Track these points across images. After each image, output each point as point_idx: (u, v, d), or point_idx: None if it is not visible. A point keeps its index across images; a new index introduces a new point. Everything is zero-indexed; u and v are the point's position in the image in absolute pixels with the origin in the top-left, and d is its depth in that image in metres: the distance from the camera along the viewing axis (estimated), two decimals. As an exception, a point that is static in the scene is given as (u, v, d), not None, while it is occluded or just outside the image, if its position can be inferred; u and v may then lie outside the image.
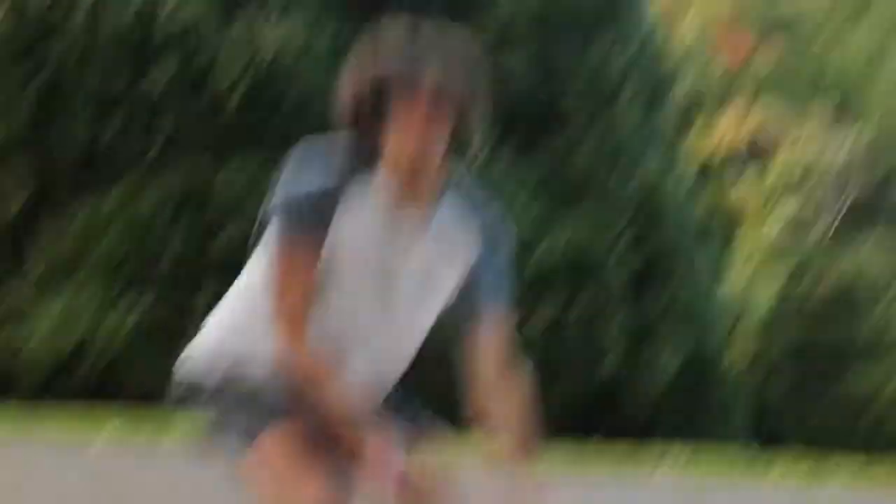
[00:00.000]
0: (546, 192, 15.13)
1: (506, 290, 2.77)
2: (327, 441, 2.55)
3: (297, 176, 2.60)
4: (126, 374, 13.14)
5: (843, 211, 26.06)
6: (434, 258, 2.69)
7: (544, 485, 2.56)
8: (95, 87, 13.93)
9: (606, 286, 14.88)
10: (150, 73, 13.94)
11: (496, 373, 2.67)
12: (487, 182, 2.88)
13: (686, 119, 24.71)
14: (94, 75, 13.94)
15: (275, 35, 14.07)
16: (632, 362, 14.77)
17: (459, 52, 2.68)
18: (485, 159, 13.28)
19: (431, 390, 2.86)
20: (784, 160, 26.48)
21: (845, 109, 27.21)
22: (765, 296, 23.59)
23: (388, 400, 2.76)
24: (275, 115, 13.75)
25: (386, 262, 2.64)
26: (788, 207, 25.60)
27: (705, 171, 25.14)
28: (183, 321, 13.14)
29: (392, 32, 2.68)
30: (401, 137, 2.58)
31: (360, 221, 2.62)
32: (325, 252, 2.60)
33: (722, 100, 28.24)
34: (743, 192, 26.68)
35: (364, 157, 2.63)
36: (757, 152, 27.25)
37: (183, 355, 2.78)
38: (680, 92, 23.23)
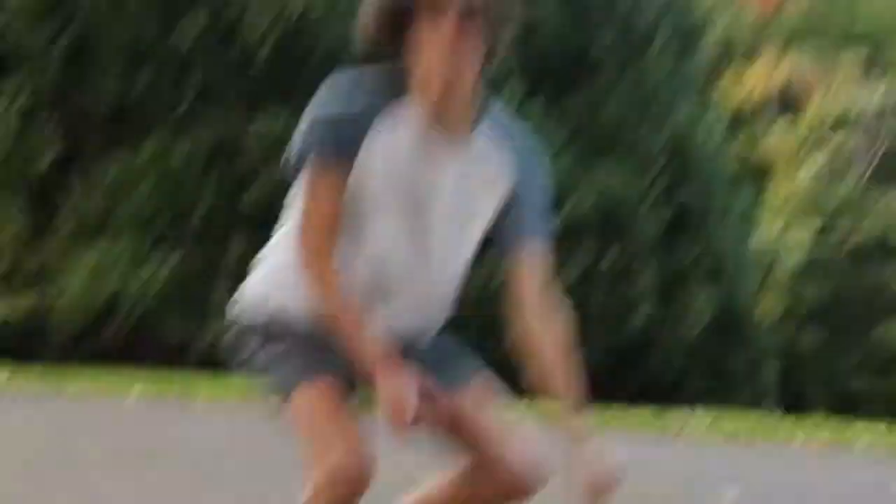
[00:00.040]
0: (578, 142, 15.07)
1: (545, 220, 2.74)
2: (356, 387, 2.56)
3: (326, 100, 2.57)
4: (156, 332, 13.17)
5: (876, 160, 25.90)
6: (469, 186, 2.64)
7: (599, 441, 2.55)
8: (125, 42, 13.89)
9: (638, 237, 14.83)
10: (179, 27, 13.90)
11: (537, 301, 2.66)
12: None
13: (717, 68, 24.52)
14: (123, 30, 13.90)
15: (304, -13, 14.03)
16: (661, 316, 14.76)
17: None
18: (516, 109, 13.37)
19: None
20: (815, 110, 26.29)
21: (876, 60, 26.95)
22: (796, 246, 23.48)
23: (429, 345, 2.74)
24: (304, 68, 13.63)
25: (419, 191, 2.60)
26: (820, 157, 25.45)
27: (737, 121, 25.02)
28: (213, 276, 13.30)
29: None
30: (431, 57, 2.52)
31: (391, 149, 2.57)
32: (354, 181, 2.56)
33: (753, 49, 28.02)
34: (774, 141, 26.55)
35: (395, 84, 2.58)
36: (788, 102, 27.06)
37: (235, 296, 2.77)
38: (711, 41, 23.03)
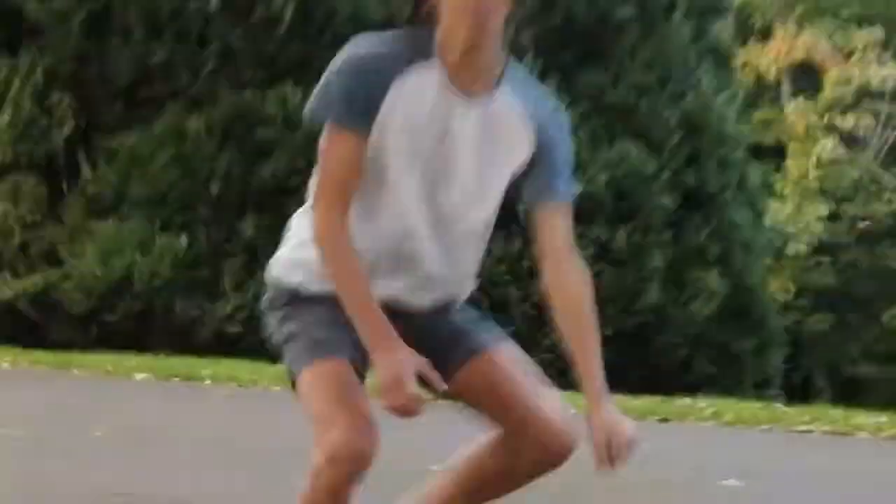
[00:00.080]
0: (592, 119, 14.98)
1: (567, 179, 2.75)
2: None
3: (346, 60, 2.57)
4: (164, 315, 13.22)
5: (890, 141, 25.82)
6: (491, 146, 2.64)
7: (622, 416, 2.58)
8: (142, 15, 13.88)
9: (650, 216, 14.71)
10: (194, 3, 13.88)
11: (560, 258, 2.69)
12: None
13: (739, 36, 24.39)
14: (141, 3, 13.91)
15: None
16: (671, 298, 14.71)
17: None
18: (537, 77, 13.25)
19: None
20: (830, 90, 26.19)
21: (891, 40, 26.83)
22: (808, 228, 23.40)
23: (451, 315, 2.74)
24: (322, 42, 13.57)
25: (440, 150, 2.60)
26: (833, 138, 25.37)
27: (753, 98, 24.93)
28: (223, 258, 13.34)
29: None
30: (454, 16, 2.53)
31: (412, 108, 2.58)
32: (374, 141, 2.57)
33: (769, 27, 27.92)
34: (789, 121, 26.47)
35: (417, 44, 2.60)
36: (803, 81, 26.98)
37: (272, 260, 2.78)
38: (731, 14, 22.94)
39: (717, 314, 14.92)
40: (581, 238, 14.13)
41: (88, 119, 14.04)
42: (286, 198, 13.21)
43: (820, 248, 23.41)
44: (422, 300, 2.69)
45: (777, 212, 22.43)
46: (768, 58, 27.04)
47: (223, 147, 13.69)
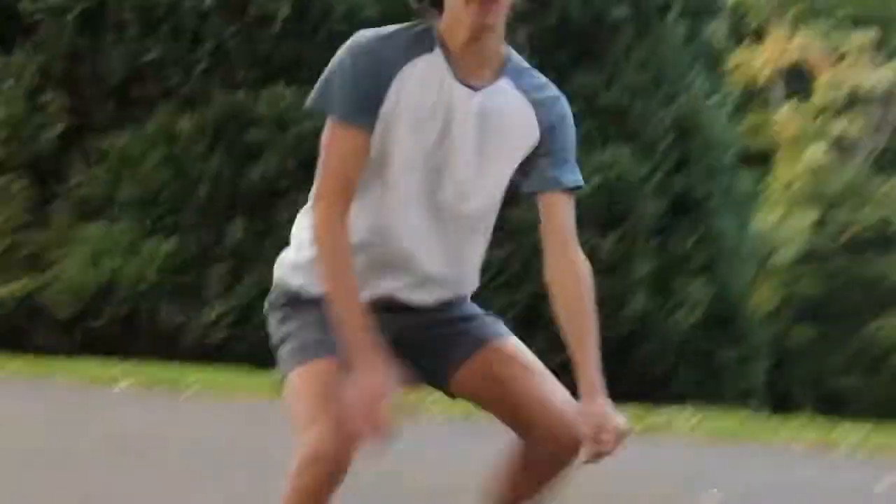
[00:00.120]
0: (585, 122, 14.97)
1: (572, 168, 2.73)
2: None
3: (349, 53, 2.56)
4: (149, 321, 13.21)
5: (880, 147, 25.80)
6: (495, 136, 2.63)
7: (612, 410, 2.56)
8: (136, 12, 13.84)
9: (639, 222, 14.66)
10: (189, 0, 13.83)
11: (563, 249, 2.68)
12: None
13: (732, 38, 24.35)
14: (134, 2, 13.87)
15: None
16: (656, 306, 14.67)
17: None
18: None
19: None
20: (822, 94, 26.16)
21: (885, 43, 26.80)
22: (794, 236, 23.36)
23: (452, 312, 2.73)
24: (316, 40, 13.61)
25: (443, 141, 2.59)
26: (823, 144, 25.34)
27: (744, 102, 24.90)
28: (209, 263, 13.32)
29: None
30: (457, 6, 2.52)
31: (414, 100, 2.56)
32: (377, 134, 2.55)
33: (762, 29, 27.88)
34: (779, 125, 26.45)
35: (419, 36, 2.60)
36: (795, 84, 26.95)
37: (278, 259, 2.80)
38: (725, 15, 22.89)
39: (701, 323, 14.90)
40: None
41: (80, 118, 13.98)
42: (276, 200, 13.24)
43: (806, 257, 23.43)
44: (424, 297, 2.68)
45: (764, 219, 22.47)
46: (761, 60, 27.02)
47: (214, 148, 13.66)
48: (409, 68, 2.56)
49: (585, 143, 14.46)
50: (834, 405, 18.59)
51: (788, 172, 24.93)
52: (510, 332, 2.79)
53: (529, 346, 2.81)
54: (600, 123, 14.86)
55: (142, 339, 13.00)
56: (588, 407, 2.56)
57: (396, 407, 2.48)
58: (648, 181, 14.87)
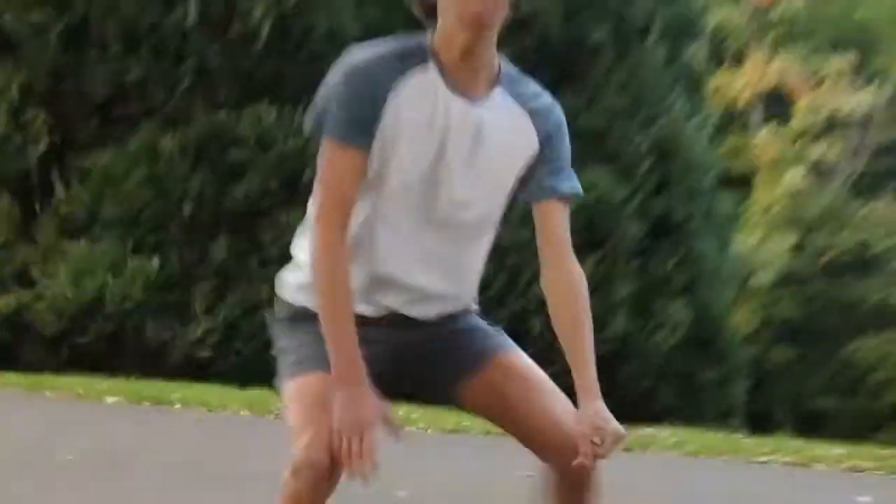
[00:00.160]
0: (572, 135, 14.99)
1: (569, 176, 2.73)
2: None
3: (343, 72, 2.54)
4: (134, 338, 13.21)
5: (858, 172, 25.94)
6: (493, 148, 2.61)
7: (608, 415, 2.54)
8: (119, 30, 13.85)
9: (619, 244, 14.74)
10: (171, 18, 13.86)
11: (559, 257, 2.68)
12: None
13: (712, 61, 24.50)
14: (117, 20, 13.87)
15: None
16: (636, 327, 14.74)
17: None
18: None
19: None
20: (801, 117, 26.34)
21: (863, 67, 27.01)
22: (773, 259, 23.48)
23: (454, 326, 2.72)
24: (299, 58, 13.67)
25: (441, 154, 2.57)
26: (802, 168, 25.50)
27: (724, 125, 25.03)
28: (193, 282, 13.32)
29: None
30: (455, 22, 2.51)
31: (412, 113, 2.55)
32: (375, 152, 2.53)
33: (742, 52, 28.07)
34: (759, 148, 26.60)
35: (413, 51, 2.58)
36: (775, 107, 27.12)
37: (278, 276, 2.80)
38: (705, 38, 23.05)
39: (682, 344, 14.96)
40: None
41: (63, 136, 14.00)
42: (259, 219, 13.26)
43: (785, 280, 23.56)
44: (425, 311, 2.68)
45: (744, 241, 22.59)
46: (741, 83, 27.19)
47: (196, 167, 13.67)
48: (403, 84, 2.55)
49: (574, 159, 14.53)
50: (812, 425, 18.74)
51: (768, 196, 25.06)
52: (514, 345, 2.79)
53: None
54: (580, 145, 14.72)
55: (128, 356, 13.00)
56: (585, 409, 2.56)
57: (381, 431, 2.49)
58: (629, 203, 14.96)
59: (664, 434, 9.83)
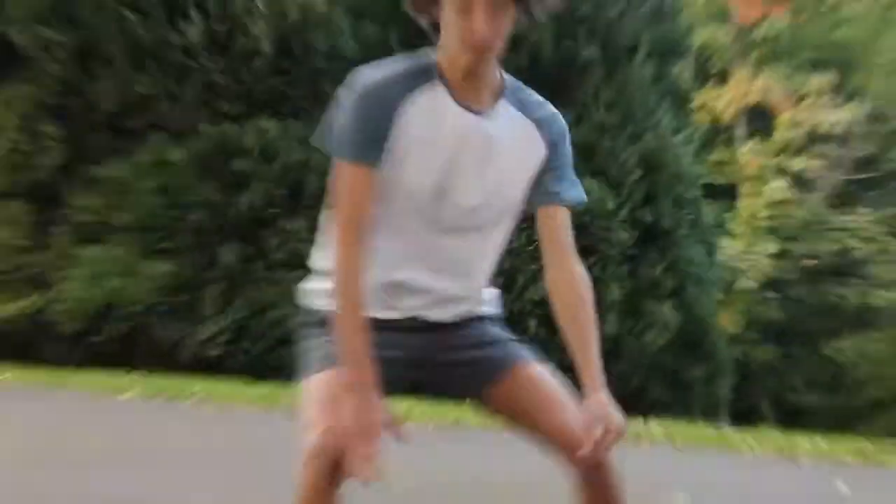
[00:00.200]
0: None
1: (573, 184, 2.84)
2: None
3: (355, 94, 2.58)
4: (148, 337, 13.37)
5: (837, 185, 26.07)
6: (501, 160, 2.69)
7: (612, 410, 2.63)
8: (126, 47, 13.96)
9: (608, 253, 14.84)
10: (176, 36, 13.96)
11: (564, 260, 2.79)
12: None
13: (697, 79, 24.63)
14: (125, 37, 13.97)
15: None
16: (626, 330, 14.85)
17: None
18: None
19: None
20: (782, 132, 26.48)
21: (844, 85, 27.20)
22: (756, 266, 23.65)
23: (471, 333, 2.79)
24: (299, 75, 13.75)
25: (451, 166, 2.63)
26: (784, 180, 25.64)
27: (708, 139, 25.17)
28: (202, 286, 13.47)
29: None
30: (458, 45, 2.55)
31: (422, 130, 2.61)
32: (388, 168, 2.60)
33: (726, 71, 28.20)
34: (742, 162, 26.74)
35: (420, 69, 2.64)
36: (758, 123, 27.24)
37: (302, 287, 2.87)
38: (691, 55, 23.16)
39: (670, 344, 15.19)
40: (541, 275, 14.09)
41: (74, 149, 14.15)
42: (264, 227, 13.41)
43: (768, 284, 23.90)
44: (443, 315, 2.78)
45: (729, 249, 22.75)
46: (725, 99, 27.34)
47: (203, 177, 13.81)
48: (412, 102, 2.61)
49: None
50: (794, 419, 19.00)
51: (751, 206, 25.20)
52: (534, 356, 2.88)
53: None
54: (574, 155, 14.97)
55: (142, 354, 13.21)
56: (590, 401, 2.67)
57: (386, 435, 2.56)
58: (618, 213, 15.12)
59: (654, 427, 9.94)
